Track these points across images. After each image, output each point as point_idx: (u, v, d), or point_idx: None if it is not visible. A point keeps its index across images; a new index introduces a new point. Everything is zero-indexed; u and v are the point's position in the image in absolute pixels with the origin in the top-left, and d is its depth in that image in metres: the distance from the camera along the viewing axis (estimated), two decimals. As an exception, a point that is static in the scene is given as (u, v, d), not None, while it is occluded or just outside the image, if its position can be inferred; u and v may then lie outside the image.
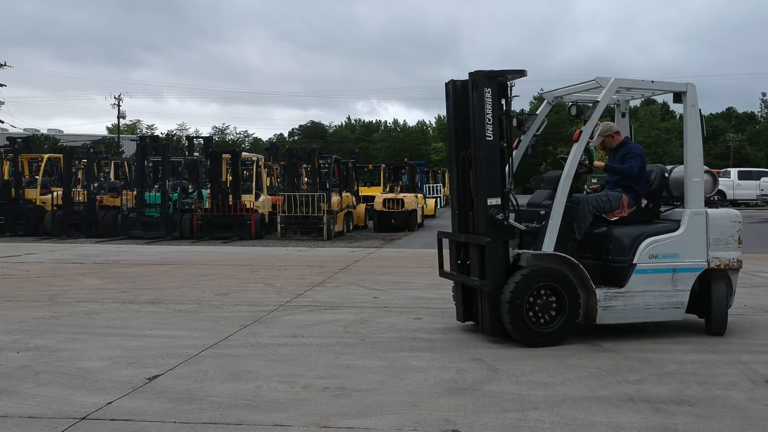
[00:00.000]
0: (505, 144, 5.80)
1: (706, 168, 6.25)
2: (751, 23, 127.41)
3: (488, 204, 5.66)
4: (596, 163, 6.35)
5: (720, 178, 32.93)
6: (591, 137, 6.03)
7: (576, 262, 5.66)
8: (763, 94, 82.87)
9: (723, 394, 4.30)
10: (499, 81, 5.76)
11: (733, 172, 33.78)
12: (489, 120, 5.67)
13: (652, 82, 6.23)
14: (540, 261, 5.66)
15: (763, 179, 32.54)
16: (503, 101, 5.79)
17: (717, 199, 32.23)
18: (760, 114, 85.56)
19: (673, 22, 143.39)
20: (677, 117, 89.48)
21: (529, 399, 4.18)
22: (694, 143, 6.02)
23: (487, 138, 5.68)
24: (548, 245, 5.64)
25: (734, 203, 32.53)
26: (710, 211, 6.00)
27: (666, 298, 5.82)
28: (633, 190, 6.17)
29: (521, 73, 5.85)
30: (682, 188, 6.12)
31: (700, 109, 6.06)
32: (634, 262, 5.77)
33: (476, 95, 5.70)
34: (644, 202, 6.27)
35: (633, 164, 6.19)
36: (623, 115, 6.95)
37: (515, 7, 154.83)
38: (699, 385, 4.47)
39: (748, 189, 32.49)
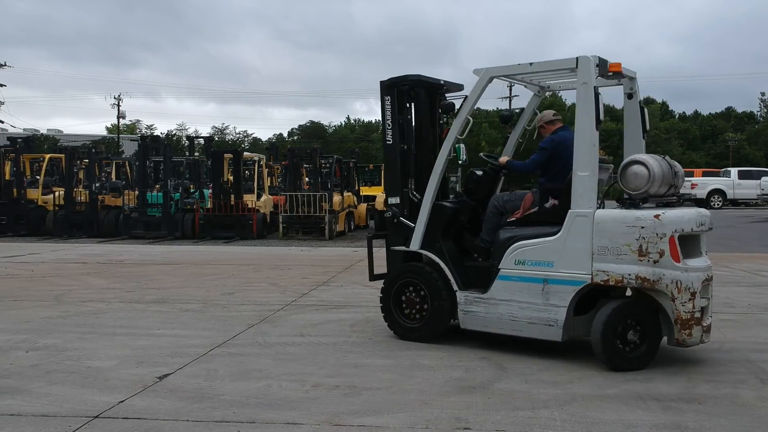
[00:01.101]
0: (405, 147, 6.06)
1: (641, 159, 5.03)
2: (749, 23, 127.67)
3: (389, 203, 6.04)
4: (501, 159, 6.05)
5: (720, 178, 33.19)
6: (461, 134, 5.66)
7: (437, 260, 5.65)
8: (762, 94, 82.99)
9: (732, 392, 4.32)
10: (399, 88, 6.04)
11: (734, 171, 33.81)
12: (389, 125, 6.01)
13: (530, 64, 5.44)
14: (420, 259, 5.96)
15: (763, 178, 32.56)
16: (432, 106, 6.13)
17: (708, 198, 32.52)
18: (759, 113, 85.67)
19: (671, 21, 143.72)
20: (676, 116, 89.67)
21: (538, 397, 4.20)
22: (585, 129, 4.98)
23: (387, 141, 6.04)
24: (414, 243, 5.75)
25: (734, 202, 32.62)
26: (599, 212, 4.95)
27: (535, 312, 5.10)
28: (544, 187, 5.61)
29: (417, 78, 6.04)
30: (631, 184, 5.01)
31: (596, 88, 5.00)
32: (500, 266, 5.32)
33: (381, 103, 6.09)
34: (552, 201, 5.50)
35: (533, 158, 5.72)
36: (630, 97, 5.84)
37: (512, 7, 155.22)
38: (707, 384, 4.49)
39: (749, 189, 32.53)
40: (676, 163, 5.26)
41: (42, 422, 3.77)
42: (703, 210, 5.27)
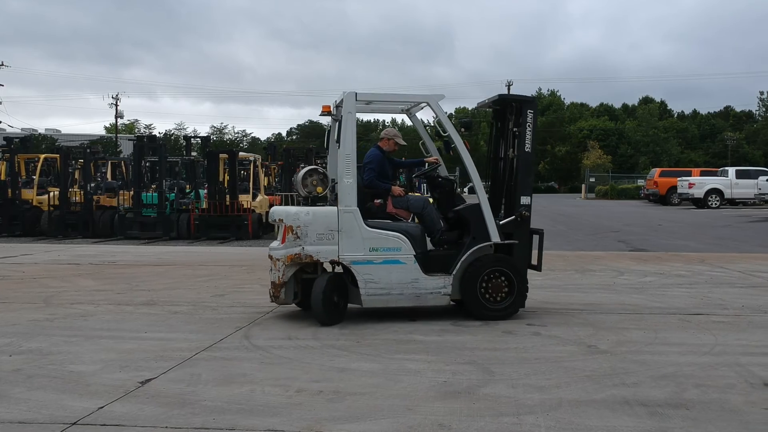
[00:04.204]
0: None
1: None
2: (744, 20, 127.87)
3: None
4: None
5: (718, 177, 33.16)
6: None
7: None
8: (761, 93, 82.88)
9: (720, 397, 4.26)
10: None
11: (731, 171, 33.76)
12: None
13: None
14: None
15: (761, 178, 32.57)
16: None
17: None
18: (757, 112, 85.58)
19: (666, 19, 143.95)
20: (675, 116, 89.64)
21: (524, 403, 4.15)
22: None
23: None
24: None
25: (732, 202, 32.58)
26: None
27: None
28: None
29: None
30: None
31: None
32: None
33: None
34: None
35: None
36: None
37: (507, 5, 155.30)
38: (696, 388, 4.43)
39: (746, 188, 32.50)
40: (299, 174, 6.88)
41: (19, 429, 3.72)
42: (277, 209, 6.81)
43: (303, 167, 6.50)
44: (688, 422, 3.81)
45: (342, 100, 6.59)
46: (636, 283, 9.11)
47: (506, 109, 7.09)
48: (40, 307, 7.46)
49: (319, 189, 6.68)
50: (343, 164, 6.42)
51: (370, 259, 6.40)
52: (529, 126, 6.83)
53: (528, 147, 6.83)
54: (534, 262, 7.06)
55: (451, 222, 7.00)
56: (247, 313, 7.03)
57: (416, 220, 7.08)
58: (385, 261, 6.42)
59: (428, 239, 6.89)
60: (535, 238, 7.12)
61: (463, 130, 6.97)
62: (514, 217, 6.76)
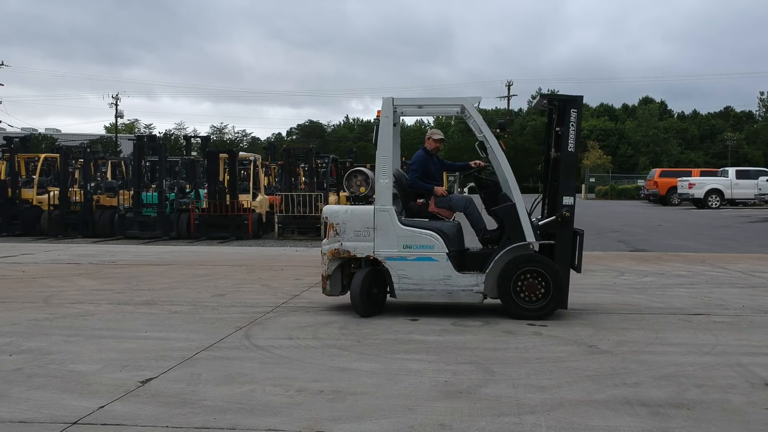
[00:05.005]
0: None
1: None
2: (745, 21, 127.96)
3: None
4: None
5: (718, 178, 33.17)
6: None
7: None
8: (761, 93, 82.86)
9: (721, 397, 4.25)
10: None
11: (731, 171, 33.76)
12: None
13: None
14: None
15: (761, 178, 32.56)
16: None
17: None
18: (757, 113, 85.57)
19: (665, 20, 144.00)
20: (675, 116, 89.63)
21: (525, 403, 4.14)
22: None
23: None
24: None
25: (732, 202, 32.58)
26: None
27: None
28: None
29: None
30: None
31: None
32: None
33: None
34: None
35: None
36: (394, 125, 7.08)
37: (507, 5, 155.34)
38: (697, 388, 4.43)
39: (746, 188, 32.49)
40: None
41: (19, 429, 3.71)
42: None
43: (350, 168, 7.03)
44: (689, 422, 3.80)
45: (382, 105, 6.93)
46: (636, 283, 9.10)
47: (552, 108, 7.10)
48: (40, 306, 7.45)
49: (362, 189, 7.17)
50: (380, 165, 6.79)
51: (403, 256, 6.71)
52: (572, 125, 6.76)
53: (571, 147, 6.76)
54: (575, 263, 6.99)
55: (498, 222, 7.12)
56: (248, 313, 7.03)
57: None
58: (418, 258, 6.69)
59: (476, 238, 7.18)
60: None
61: (498, 131, 7.07)
62: (554, 217, 6.73)
